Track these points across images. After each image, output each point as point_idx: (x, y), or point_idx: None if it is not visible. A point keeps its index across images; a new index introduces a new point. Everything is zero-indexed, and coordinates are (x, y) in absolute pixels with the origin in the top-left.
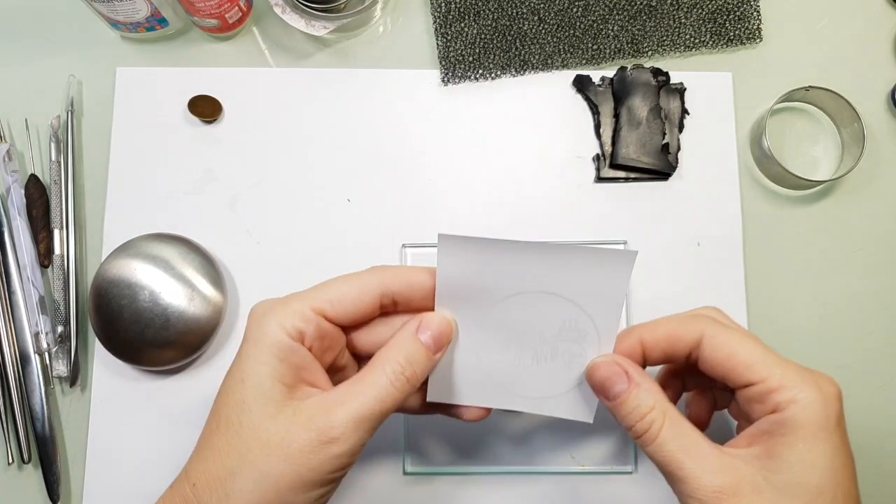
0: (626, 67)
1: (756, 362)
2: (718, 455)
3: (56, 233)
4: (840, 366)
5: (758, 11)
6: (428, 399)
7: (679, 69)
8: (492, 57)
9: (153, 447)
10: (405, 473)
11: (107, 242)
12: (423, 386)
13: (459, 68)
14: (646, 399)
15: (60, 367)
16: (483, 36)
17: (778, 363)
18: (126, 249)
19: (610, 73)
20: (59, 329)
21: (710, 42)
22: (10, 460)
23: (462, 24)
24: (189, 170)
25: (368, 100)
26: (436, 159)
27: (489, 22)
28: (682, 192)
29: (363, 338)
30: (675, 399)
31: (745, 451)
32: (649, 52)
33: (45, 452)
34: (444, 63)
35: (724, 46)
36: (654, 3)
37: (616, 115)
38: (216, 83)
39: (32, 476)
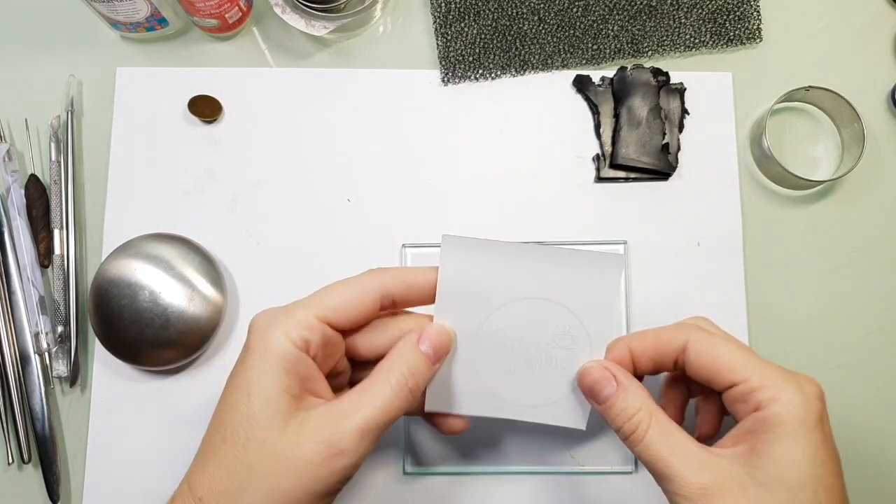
0: (626, 67)
1: (738, 364)
2: (704, 454)
3: (56, 233)
4: (840, 366)
5: (758, 11)
6: (426, 409)
7: (679, 69)
8: (492, 57)
9: (153, 447)
10: (405, 473)
11: (107, 242)
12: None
13: (459, 68)
14: (633, 401)
15: (60, 367)
16: (483, 36)
17: (760, 364)
18: (126, 249)
19: (610, 73)
20: (59, 329)
21: (710, 42)
22: (10, 460)
23: (462, 24)
24: (189, 170)
25: (368, 100)
26: (436, 159)
27: (489, 22)
28: (682, 192)
29: (360, 342)
30: (682, 405)
31: (731, 450)
32: (649, 52)
33: (45, 452)
34: (444, 63)
35: (724, 46)
36: (654, 3)
37: (616, 115)
38: (216, 83)
39: (32, 476)
